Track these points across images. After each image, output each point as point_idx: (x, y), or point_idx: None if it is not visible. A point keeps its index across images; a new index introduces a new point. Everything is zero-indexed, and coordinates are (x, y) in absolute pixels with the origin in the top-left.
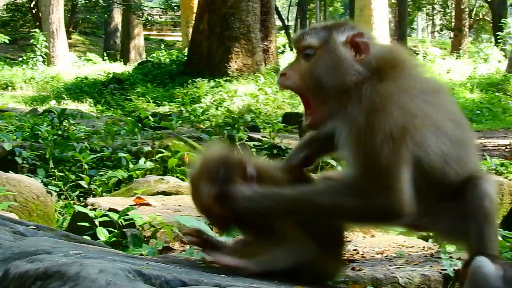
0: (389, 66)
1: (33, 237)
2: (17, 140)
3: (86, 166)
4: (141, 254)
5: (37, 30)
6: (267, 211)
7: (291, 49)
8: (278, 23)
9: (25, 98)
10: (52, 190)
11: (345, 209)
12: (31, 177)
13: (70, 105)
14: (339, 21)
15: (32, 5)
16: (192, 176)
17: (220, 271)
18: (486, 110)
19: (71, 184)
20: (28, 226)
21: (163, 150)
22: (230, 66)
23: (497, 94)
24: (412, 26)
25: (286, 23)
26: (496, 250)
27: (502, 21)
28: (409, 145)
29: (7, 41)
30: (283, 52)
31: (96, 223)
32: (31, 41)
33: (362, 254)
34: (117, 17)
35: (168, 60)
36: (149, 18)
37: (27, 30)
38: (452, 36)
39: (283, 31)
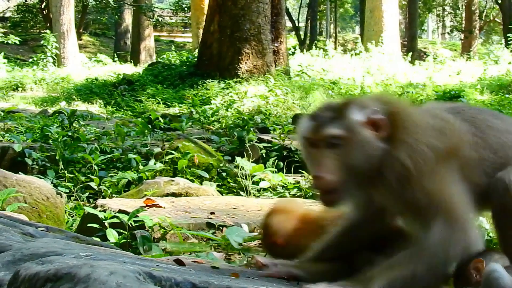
0: (400, 128)
1: (43, 238)
2: (27, 141)
3: (96, 168)
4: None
5: (47, 31)
6: None
7: (301, 51)
8: (289, 24)
9: (35, 99)
10: (62, 191)
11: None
12: (41, 178)
13: (80, 106)
14: (350, 100)
15: (42, 6)
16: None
17: (228, 273)
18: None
19: (81, 185)
20: (38, 228)
21: (173, 152)
22: (240, 67)
23: (507, 95)
24: (422, 28)
25: (297, 25)
26: None
27: None
28: (457, 171)
29: (18, 42)
30: (293, 53)
31: (106, 224)
32: (42, 42)
33: None
34: (128, 18)
35: (178, 61)
36: (160, 19)
37: (37, 31)
38: (462, 37)
39: (293, 33)
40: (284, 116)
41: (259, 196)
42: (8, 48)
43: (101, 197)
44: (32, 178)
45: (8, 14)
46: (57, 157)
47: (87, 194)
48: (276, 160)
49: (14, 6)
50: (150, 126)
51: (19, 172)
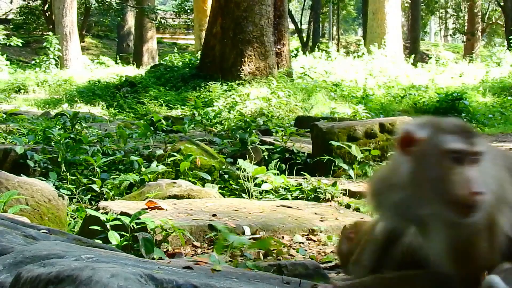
0: None
1: (44, 241)
2: (29, 143)
3: (98, 170)
4: (153, 258)
5: (50, 33)
6: None
7: (304, 53)
8: (291, 26)
9: (38, 101)
10: (64, 193)
11: None
12: (43, 180)
13: (83, 108)
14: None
15: (45, 8)
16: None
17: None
18: (499, 114)
19: (83, 187)
20: (39, 230)
21: (175, 154)
22: (243, 69)
23: (509, 98)
24: (425, 30)
25: (299, 27)
26: None
27: None
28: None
29: (20, 44)
30: (296, 55)
31: (108, 226)
32: (44, 44)
33: None
34: (130, 20)
35: (181, 63)
36: (162, 21)
37: (40, 33)
38: (465, 40)
39: (296, 35)
40: (287, 118)
41: (261, 198)
42: (10, 50)
43: (103, 199)
44: (34, 180)
45: (10, 16)
46: (59, 159)
47: (89, 196)
48: (278, 162)
49: (17, 8)
50: (152, 128)
51: (21, 174)
